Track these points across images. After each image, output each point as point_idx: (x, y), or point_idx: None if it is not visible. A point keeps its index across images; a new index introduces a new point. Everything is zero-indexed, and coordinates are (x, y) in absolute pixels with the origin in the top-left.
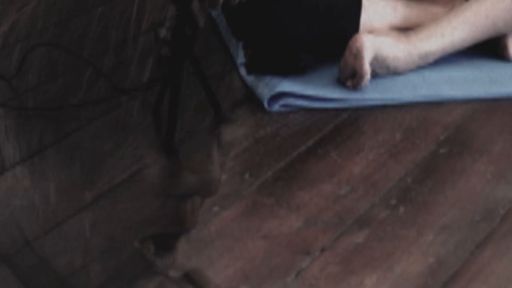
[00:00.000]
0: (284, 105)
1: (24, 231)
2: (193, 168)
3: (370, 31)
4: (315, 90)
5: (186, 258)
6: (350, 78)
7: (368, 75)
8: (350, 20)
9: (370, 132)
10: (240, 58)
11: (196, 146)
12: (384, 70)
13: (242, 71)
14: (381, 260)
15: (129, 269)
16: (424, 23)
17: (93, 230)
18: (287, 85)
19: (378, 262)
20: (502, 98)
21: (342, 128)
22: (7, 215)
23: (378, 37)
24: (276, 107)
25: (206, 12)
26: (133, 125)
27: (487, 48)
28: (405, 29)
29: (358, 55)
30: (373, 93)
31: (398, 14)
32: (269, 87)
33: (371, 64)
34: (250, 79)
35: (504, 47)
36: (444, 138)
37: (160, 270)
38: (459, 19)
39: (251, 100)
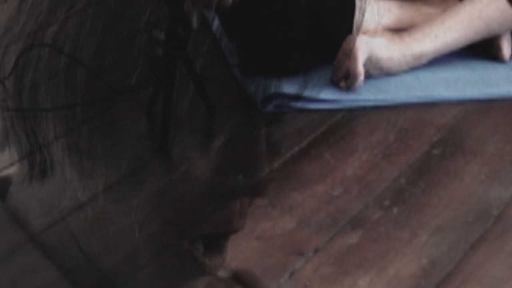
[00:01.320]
0: (277, 106)
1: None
2: (242, 169)
3: (364, 32)
4: (308, 91)
5: None
6: (344, 79)
7: (361, 76)
8: (344, 21)
9: (363, 133)
10: (234, 59)
11: (244, 147)
12: (377, 71)
13: (236, 71)
14: (375, 261)
15: (178, 269)
16: (417, 24)
17: (142, 230)
18: (280, 86)
19: (372, 263)
20: (496, 99)
21: (335, 129)
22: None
23: (371, 38)
24: (269, 108)
25: (199, 13)
26: (127, 126)
27: (480, 49)
28: (398, 30)
29: (351, 56)
30: (366, 94)
31: (391, 15)
32: (262, 88)
33: (365, 65)
34: (243, 80)
35: (498, 48)
36: (438, 139)
37: (209, 270)
38: (453, 19)
39: (245, 101)
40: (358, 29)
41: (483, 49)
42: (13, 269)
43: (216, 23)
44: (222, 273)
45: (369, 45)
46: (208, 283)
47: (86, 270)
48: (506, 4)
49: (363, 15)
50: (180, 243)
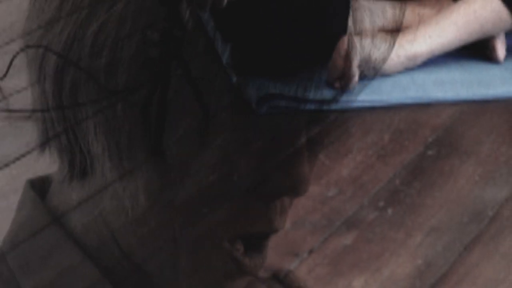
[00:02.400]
0: (272, 107)
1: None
2: (282, 168)
3: (358, 33)
4: (303, 92)
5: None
6: (338, 79)
7: (356, 77)
8: (338, 22)
9: (358, 134)
10: (229, 60)
11: (285, 146)
12: (372, 72)
13: (231, 72)
14: (369, 262)
15: (218, 269)
16: (412, 25)
17: (181, 228)
18: (275, 87)
19: (366, 263)
20: (490, 99)
21: (330, 129)
22: None
23: (366, 38)
24: (264, 108)
25: (194, 14)
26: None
27: (475, 50)
28: (393, 30)
29: (346, 57)
30: (361, 95)
31: (386, 15)
32: (257, 88)
33: (359, 66)
34: (238, 80)
35: (492, 49)
36: (432, 139)
37: (249, 270)
38: (448, 21)
39: (239, 101)
40: (353, 30)
41: (477, 50)
42: (53, 269)
43: (211, 23)
44: (262, 273)
45: (363, 46)
46: (249, 283)
47: (127, 271)
48: (500, 5)
49: (357, 16)
50: (220, 243)
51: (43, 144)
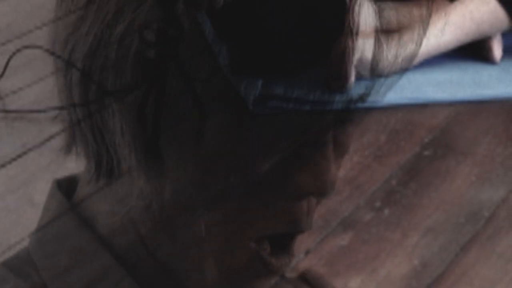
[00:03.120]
0: (269, 107)
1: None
2: (309, 169)
3: (355, 34)
4: (299, 92)
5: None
6: (335, 80)
7: (352, 78)
8: (335, 23)
9: (354, 134)
10: (225, 60)
11: (313, 146)
12: (368, 73)
13: (227, 72)
14: (366, 263)
15: (245, 269)
16: (408, 25)
17: (208, 231)
18: (271, 87)
19: (363, 264)
20: (487, 100)
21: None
22: None
23: (362, 39)
24: (261, 109)
25: (190, 14)
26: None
27: (471, 51)
28: (389, 31)
29: (342, 58)
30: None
31: (382, 16)
32: (254, 89)
33: (356, 66)
34: (235, 80)
35: (489, 49)
36: (429, 140)
37: (275, 270)
38: (444, 21)
39: (236, 101)
40: (349, 31)
41: (474, 51)
42: (80, 270)
43: (206, 23)
44: (289, 273)
45: (360, 46)
46: (275, 283)
47: (154, 271)
48: (496, 6)
49: (354, 16)
50: (247, 243)
51: (70, 145)
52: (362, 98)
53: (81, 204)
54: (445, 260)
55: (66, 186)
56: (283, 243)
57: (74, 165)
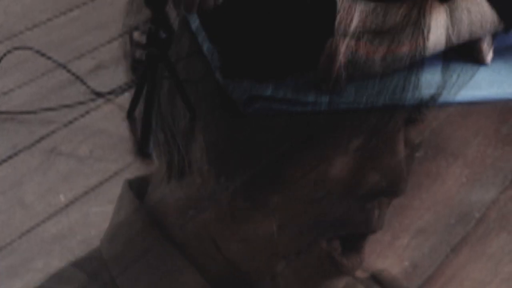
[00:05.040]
0: (260, 109)
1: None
2: (380, 168)
3: (346, 35)
4: (291, 94)
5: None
6: (326, 81)
7: (343, 79)
8: (326, 24)
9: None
10: (216, 62)
11: (384, 146)
12: (359, 74)
13: (218, 74)
14: None
15: (316, 270)
16: (400, 26)
17: (280, 231)
18: (262, 89)
19: None
20: (477, 101)
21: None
22: None
23: (353, 40)
24: (252, 110)
25: (180, 16)
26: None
27: (461, 52)
28: (380, 32)
29: (333, 59)
30: (348, 97)
31: (373, 17)
32: (244, 90)
33: (347, 67)
34: (225, 82)
35: (479, 51)
36: (419, 141)
37: (347, 271)
38: (435, 22)
39: (227, 103)
40: (340, 32)
41: (464, 52)
42: (152, 271)
43: (197, 25)
44: (360, 273)
45: (351, 48)
46: (346, 283)
47: (227, 274)
48: (487, 7)
49: (344, 17)
50: (318, 244)
51: (144, 147)
52: (434, 98)
53: (152, 205)
54: (436, 261)
55: (137, 187)
56: (354, 244)
57: (64, 167)
